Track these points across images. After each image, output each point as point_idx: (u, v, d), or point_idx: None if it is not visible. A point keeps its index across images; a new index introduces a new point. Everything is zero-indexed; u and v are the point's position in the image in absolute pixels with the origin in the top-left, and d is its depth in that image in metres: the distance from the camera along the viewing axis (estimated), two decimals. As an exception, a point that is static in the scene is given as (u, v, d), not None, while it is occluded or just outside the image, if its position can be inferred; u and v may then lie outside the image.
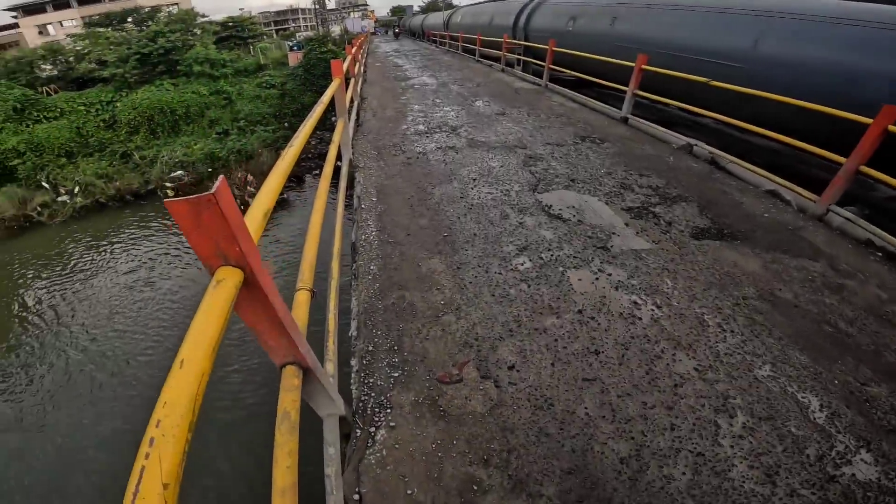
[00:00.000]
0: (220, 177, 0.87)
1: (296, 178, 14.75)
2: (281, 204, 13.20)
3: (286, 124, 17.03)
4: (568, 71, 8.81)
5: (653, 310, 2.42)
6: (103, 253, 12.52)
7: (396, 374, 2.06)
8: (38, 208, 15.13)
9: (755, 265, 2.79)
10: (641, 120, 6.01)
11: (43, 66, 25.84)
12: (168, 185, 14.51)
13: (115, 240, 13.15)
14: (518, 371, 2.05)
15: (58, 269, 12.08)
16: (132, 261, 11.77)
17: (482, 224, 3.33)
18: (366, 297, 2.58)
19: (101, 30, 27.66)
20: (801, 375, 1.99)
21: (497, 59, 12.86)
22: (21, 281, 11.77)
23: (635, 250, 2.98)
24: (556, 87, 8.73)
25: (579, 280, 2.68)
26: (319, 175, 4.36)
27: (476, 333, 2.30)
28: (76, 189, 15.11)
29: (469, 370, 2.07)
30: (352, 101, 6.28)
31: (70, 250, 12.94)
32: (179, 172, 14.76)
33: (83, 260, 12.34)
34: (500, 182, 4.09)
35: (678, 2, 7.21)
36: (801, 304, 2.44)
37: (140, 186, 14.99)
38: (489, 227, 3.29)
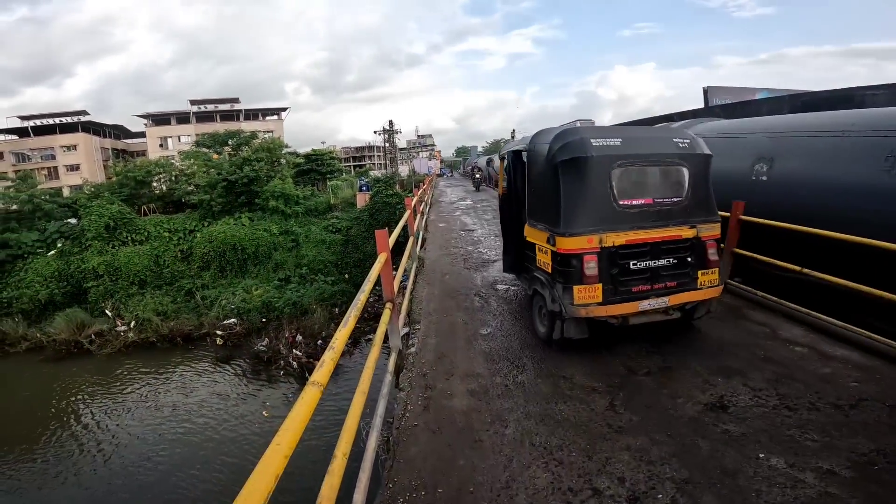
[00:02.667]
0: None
1: (350, 340, 14.20)
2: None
3: (346, 275, 17.22)
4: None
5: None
6: (150, 389, 12.47)
7: None
8: (92, 336, 15.27)
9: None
10: None
11: (153, 184, 28.47)
12: (219, 332, 14.36)
13: (164, 377, 13.02)
14: None
15: (104, 399, 12.12)
16: (179, 400, 11.77)
17: None
18: None
19: (206, 150, 31.07)
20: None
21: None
22: (62, 404, 11.96)
23: None
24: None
25: None
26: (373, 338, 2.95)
27: None
28: (132, 323, 15.32)
29: None
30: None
31: (117, 383, 12.95)
32: (233, 321, 14.71)
33: (131, 393, 12.37)
34: None
35: None
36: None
37: (193, 329, 14.97)
38: None
